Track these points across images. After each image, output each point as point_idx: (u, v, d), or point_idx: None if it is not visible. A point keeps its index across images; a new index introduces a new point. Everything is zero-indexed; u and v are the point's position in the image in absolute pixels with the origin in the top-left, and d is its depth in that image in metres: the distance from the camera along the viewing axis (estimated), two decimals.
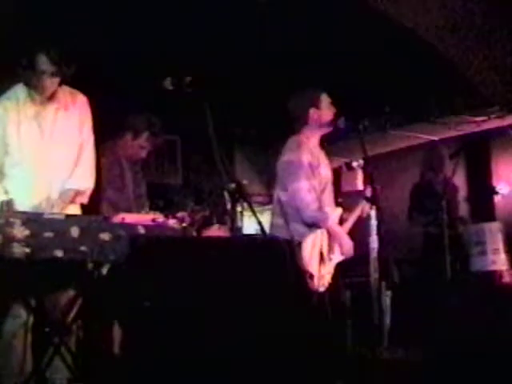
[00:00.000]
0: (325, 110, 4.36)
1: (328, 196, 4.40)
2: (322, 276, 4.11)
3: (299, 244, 4.04)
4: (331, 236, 4.25)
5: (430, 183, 6.11)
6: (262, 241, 3.35)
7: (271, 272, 3.07)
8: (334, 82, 5.35)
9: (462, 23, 5.05)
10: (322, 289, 4.13)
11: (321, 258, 4.14)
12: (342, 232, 4.32)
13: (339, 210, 4.40)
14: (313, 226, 4.19)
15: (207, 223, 4.62)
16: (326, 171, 4.40)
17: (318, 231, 4.18)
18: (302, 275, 3.83)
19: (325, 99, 4.39)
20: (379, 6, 4.87)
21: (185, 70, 3.47)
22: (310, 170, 4.22)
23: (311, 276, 4.04)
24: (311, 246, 4.13)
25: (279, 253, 3.15)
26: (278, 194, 4.35)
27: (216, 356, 2.84)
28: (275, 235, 4.05)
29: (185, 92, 3.44)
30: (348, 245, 4.28)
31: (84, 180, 3.63)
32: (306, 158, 4.23)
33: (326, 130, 4.43)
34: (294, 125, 4.42)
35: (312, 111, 4.33)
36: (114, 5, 4.63)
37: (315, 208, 4.17)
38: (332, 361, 3.86)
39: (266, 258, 3.11)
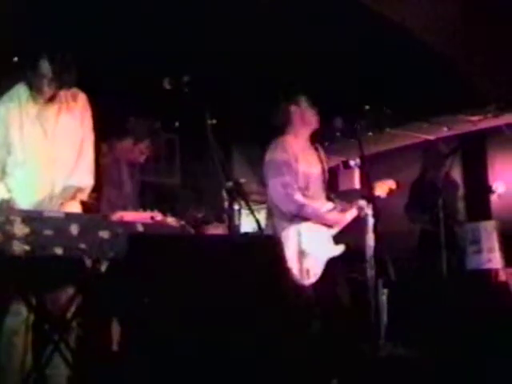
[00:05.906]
0: (306, 109, 4.51)
1: (316, 192, 4.49)
2: (303, 269, 4.16)
3: (278, 238, 4.12)
4: (319, 223, 4.36)
5: (430, 180, 6.12)
6: (259, 238, 3.38)
7: (268, 269, 3.10)
8: (331, 82, 5.41)
9: (457, 21, 5.08)
10: (307, 282, 4.18)
11: (301, 250, 4.20)
12: (326, 213, 4.41)
13: (330, 204, 4.47)
14: (295, 219, 4.30)
15: (205, 221, 4.65)
16: (307, 168, 4.48)
17: (302, 224, 4.27)
18: (287, 270, 3.89)
19: (304, 100, 4.53)
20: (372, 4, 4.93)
21: (183, 70, 3.49)
22: (284, 167, 4.35)
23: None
24: (287, 239, 4.21)
25: (274, 250, 3.18)
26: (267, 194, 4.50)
27: (214, 353, 2.86)
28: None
29: (183, 92, 3.47)
30: (338, 219, 4.43)
31: (84, 177, 3.64)
32: (279, 156, 4.38)
33: (311, 129, 4.55)
34: (281, 128, 4.56)
35: (294, 108, 4.51)
36: (114, 5, 4.65)
37: (291, 200, 4.29)
38: (328, 359, 3.90)
39: (262, 256, 3.14)
